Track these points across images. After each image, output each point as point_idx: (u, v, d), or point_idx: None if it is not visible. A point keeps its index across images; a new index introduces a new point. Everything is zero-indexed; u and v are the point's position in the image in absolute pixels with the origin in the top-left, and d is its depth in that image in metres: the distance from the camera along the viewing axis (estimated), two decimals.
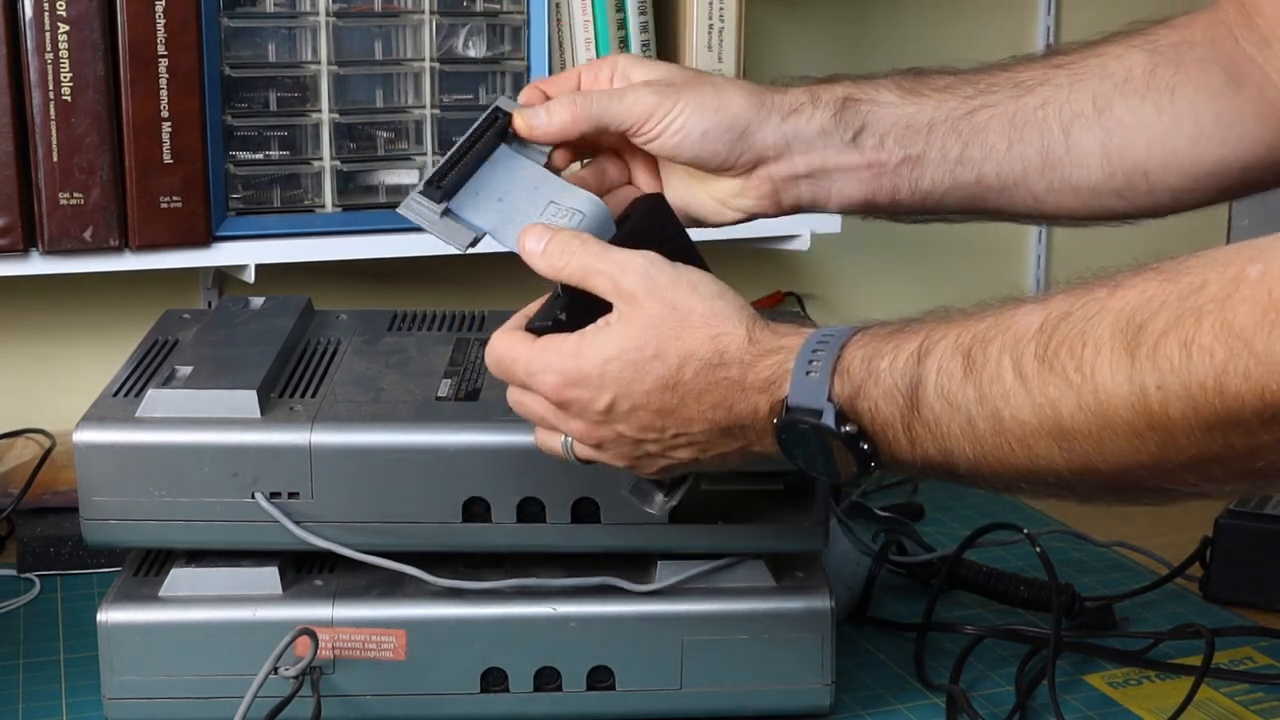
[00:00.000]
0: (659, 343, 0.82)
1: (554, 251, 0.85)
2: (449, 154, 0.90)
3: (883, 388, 0.78)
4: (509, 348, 0.86)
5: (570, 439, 0.86)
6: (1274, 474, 0.72)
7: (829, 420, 0.78)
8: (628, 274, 0.83)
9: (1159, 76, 0.97)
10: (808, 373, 0.79)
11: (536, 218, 0.88)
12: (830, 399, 0.78)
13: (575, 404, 0.83)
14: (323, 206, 1.39)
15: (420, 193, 0.88)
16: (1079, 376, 0.72)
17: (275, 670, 0.95)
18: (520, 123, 0.92)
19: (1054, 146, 0.97)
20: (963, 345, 0.76)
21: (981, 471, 0.77)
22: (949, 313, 0.79)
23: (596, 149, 0.96)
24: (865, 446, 0.79)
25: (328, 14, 1.37)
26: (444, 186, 0.88)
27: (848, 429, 0.78)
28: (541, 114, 0.92)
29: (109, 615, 0.99)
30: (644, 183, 0.97)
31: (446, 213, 0.88)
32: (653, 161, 0.96)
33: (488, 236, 0.89)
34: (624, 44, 1.44)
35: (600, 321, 0.84)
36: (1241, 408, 0.68)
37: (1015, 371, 0.74)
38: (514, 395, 0.87)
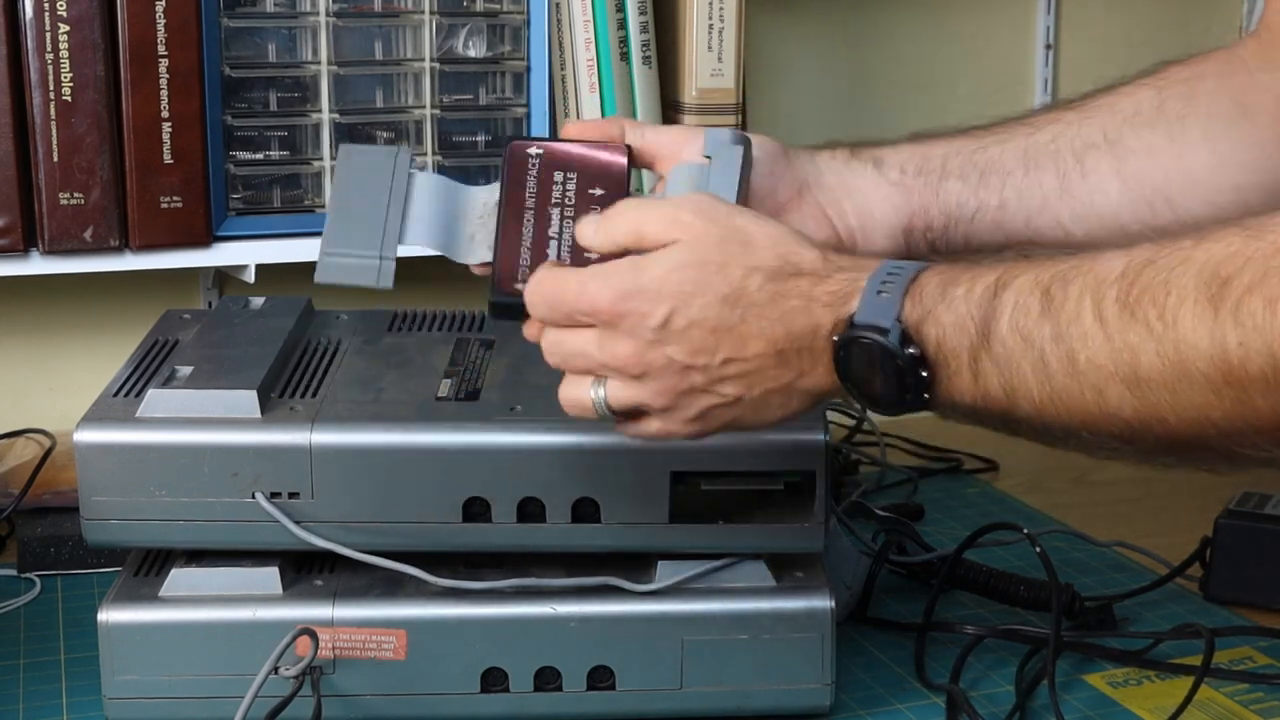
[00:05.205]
0: (724, 256, 0.81)
1: (611, 215, 0.85)
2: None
3: (954, 314, 0.77)
4: (558, 274, 0.85)
5: (603, 391, 0.84)
6: None
7: (893, 340, 0.77)
8: (683, 209, 0.83)
9: (1168, 109, 1.00)
10: (879, 291, 0.79)
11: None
12: (899, 319, 0.78)
13: (629, 318, 0.81)
14: (323, 206, 1.39)
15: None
16: (1160, 325, 0.71)
17: (275, 670, 0.95)
18: (567, 124, 0.97)
19: (1069, 173, 1.00)
20: (1042, 282, 0.76)
21: (1044, 415, 0.76)
22: (1030, 254, 0.80)
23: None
24: (924, 374, 0.78)
25: (328, 14, 1.37)
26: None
27: (911, 351, 0.77)
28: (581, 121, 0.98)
29: (109, 615, 0.99)
30: None
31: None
32: None
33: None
34: (624, 44, 1.44)
35: (660, 246, 0.83)
36: None
37: (1095, 314, 0.73)
38: (553, 335, 0.85)
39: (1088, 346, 0.74)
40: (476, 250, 0.90)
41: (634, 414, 0.86)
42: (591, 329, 0.83)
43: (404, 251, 0.91)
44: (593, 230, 0.86)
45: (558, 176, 0.90)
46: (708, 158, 0.92)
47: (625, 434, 0.87)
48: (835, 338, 0.79)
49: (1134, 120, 1.01)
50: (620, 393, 0.84)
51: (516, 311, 0.87)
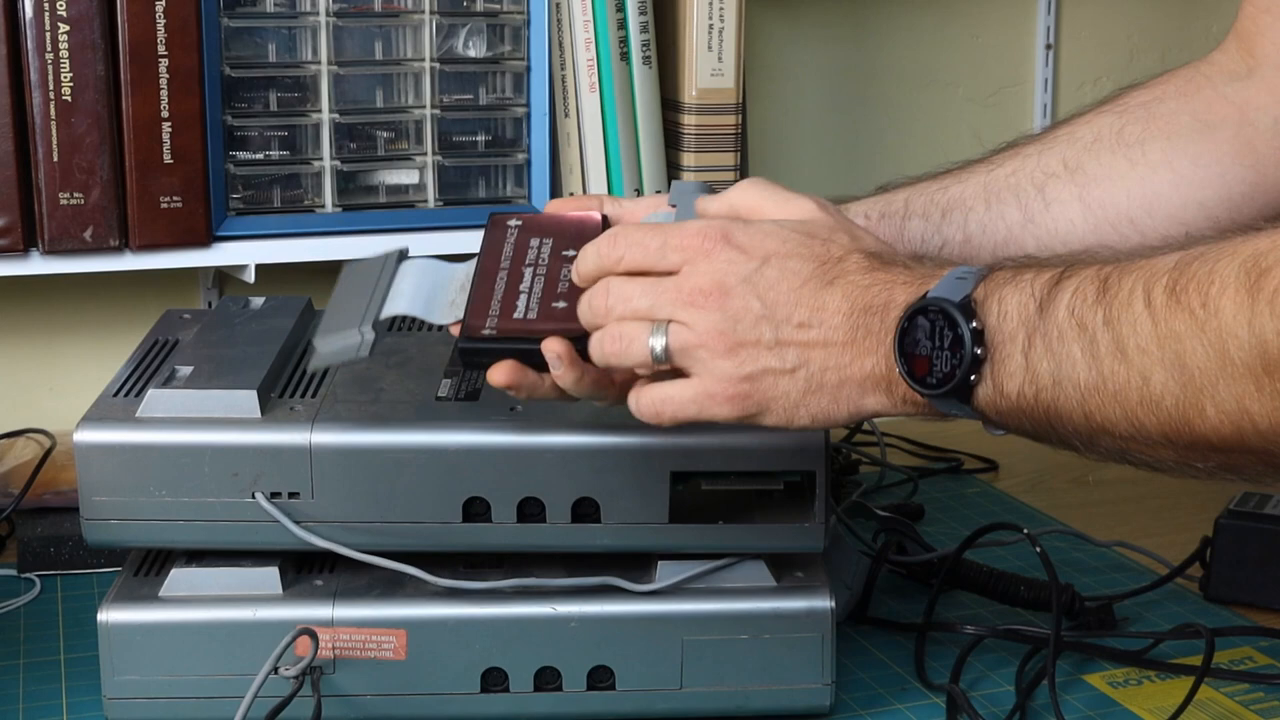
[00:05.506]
0: (831, 235, 0.84)
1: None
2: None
3: (1019, 295, 0.79)
4: (647, 224, 0.86)
5: (664, 339, 0.83)
6: None
7: (959, 310, 0.79)
8: (804, 201, 0.87)
9: (1128, 133, 1.04)
10: (958, 278, 0.81)
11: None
12: (968, 295, 0.80)
13: (723, 255, 0.83)
14: (323, 206, 1.39)
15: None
16: (1203, 312, 0.73)
17: (275, 670, 0.95)
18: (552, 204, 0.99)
19: (1031, 204, 1.03)
20: (1103, 274, 0.77)
21: (1088, 405, 0.77)
22: (1099, 255, 0.81)
23: None
24: (979, 351, 0.79)
25: (328, 14, 1.37)
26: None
27: (974, 325, 0.79)
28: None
29: (109, 615, 0.99)
30: None
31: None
32: None
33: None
34: (624, 44, 1.44)
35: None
36: None
37: (1145, 301, 0.75)
38: (616, 280, 0.84)
39: (1136, 332, 0.75)
40: (453, 313, 0.92)
41: (676, 375, 0.85)
42: (666, 276, 0.84)
43: None
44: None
45: (533, 242, 0.93)
46: (673, 206, 0.93)
47: (650, 408, 0.85)
48: (904, 312, 0.81)
49: (1094, 147, 1.03)
50: (683, 334, 0.83)
51: (483, 355, 0.88)
